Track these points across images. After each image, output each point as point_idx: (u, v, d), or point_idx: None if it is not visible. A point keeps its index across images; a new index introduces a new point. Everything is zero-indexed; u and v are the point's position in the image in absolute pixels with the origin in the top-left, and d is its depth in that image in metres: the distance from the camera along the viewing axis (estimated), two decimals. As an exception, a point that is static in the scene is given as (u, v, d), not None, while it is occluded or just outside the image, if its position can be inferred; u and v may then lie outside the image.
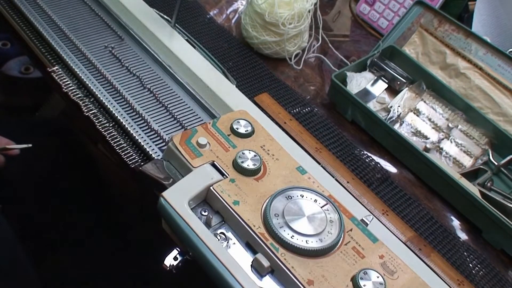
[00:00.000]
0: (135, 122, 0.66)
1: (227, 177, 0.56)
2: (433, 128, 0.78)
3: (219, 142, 0.59)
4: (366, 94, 0.81)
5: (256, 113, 0.67)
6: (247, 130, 0.61)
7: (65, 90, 0.68)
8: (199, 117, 0.69)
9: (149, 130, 0.66)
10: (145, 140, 0.64)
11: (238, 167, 0.56)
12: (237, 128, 0.61)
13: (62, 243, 0.82)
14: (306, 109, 0.79)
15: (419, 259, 0.57)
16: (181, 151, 0.57)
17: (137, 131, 0.65)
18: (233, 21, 0.93)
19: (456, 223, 0.71)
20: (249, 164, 0.56)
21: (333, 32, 0.96)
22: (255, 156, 0.57)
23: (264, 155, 0.59)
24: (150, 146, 0.64)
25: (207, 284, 0.51)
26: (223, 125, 0.61)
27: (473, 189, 0.69)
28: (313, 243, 0.51)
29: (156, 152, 0.63)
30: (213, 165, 0.57)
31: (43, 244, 0.80)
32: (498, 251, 0.69)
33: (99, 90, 0.69)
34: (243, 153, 0.57)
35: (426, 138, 0.77)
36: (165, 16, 0.81)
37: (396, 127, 0.77)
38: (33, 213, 0.80)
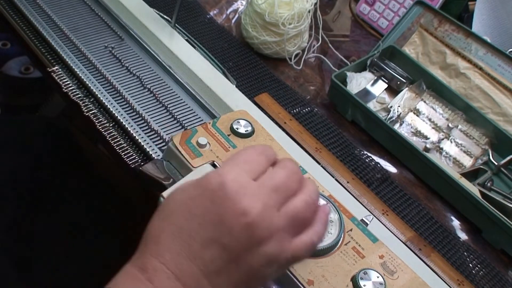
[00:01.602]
0: (135, 122, 0.66)
1: (227, 177, 0.55)
2: (433, 128, 0.78)
3: (219, 142, 0.59)
4: (366, 94, 0.81)
5: (256, 113, 0.67)
6: (247, 130, 0.61)
7: (65, 90, 0.68)
8: (199, 117, 0.69)
9: (149, 130, 0.66)
10: (145, 140, 0.64)
11: (238, 167, 0.56)
12: (237, 128, 0.61)
13: (60, 243, 0.81)
14: (306, 109, 0.79)
15: (419, 259, 0.57)
16: (181, 151, 0.57)
17: (137, 131, 0.65)
18: (233, 21, 0.93)
19: (456, 223, 0.71)
20: (249, 164, 0.56)
21: (333, 32, 0.96)
22: (255, 156, 0.57)
23: (264, 155, 0.58)
24: (150, 146, 0.64)
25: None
26: (223, 125, 0.61)
27: (473, 189, 0.69)
28: (313, 243, 0.51)
29: (156, 152, 0.63)
30: (213, 165, 0.57)
31: (41, 245, 0.80)
32: (498, 251, 0.69)
33: (99, 90, 0.69)
34: (243, 153, 0.57)
35: (426, 138, 0.77)
36: (165, 16, 0.81)
37: (396, 127, 0.77)
38: (32, 213, 0.80)
